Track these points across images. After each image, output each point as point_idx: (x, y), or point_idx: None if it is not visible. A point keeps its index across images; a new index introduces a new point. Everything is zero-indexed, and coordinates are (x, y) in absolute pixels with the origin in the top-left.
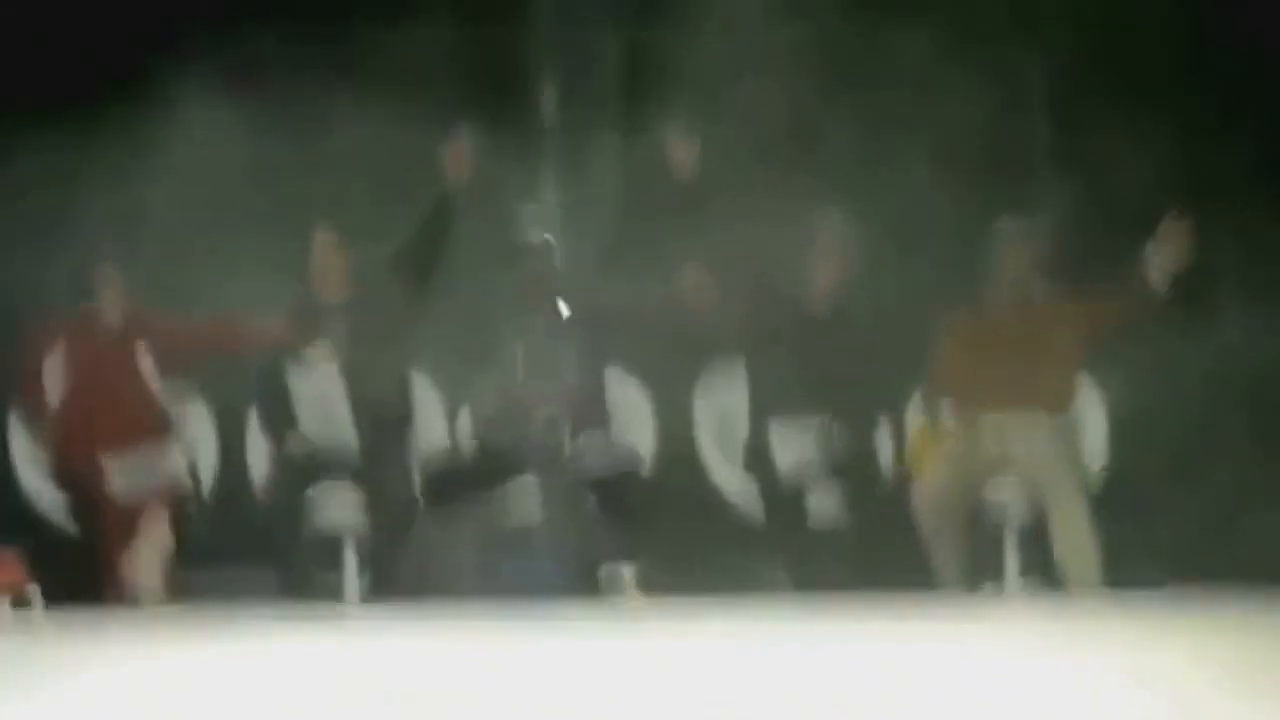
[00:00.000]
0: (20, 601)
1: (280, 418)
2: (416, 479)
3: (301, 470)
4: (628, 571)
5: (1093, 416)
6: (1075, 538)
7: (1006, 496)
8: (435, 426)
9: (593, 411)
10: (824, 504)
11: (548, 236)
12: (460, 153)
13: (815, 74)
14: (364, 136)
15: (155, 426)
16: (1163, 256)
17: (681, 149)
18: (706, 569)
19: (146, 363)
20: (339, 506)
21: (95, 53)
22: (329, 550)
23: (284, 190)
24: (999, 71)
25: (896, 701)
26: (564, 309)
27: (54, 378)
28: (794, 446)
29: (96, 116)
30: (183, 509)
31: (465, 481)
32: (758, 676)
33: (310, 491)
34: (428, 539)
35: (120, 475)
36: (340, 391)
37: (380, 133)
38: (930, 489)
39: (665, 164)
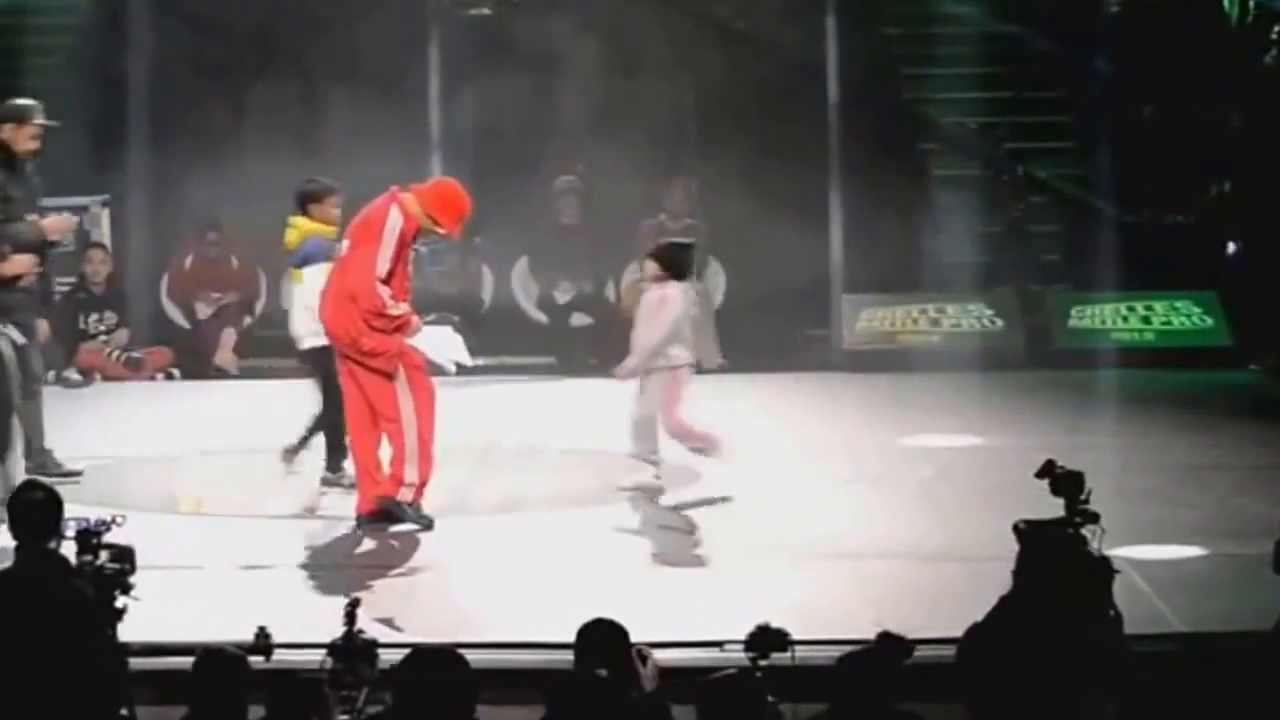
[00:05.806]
0: (169, 375)
1: None
2: None
3: None
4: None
5: (719, 279)
6: (708, 339)
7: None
8: None
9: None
10: (579, 323)
11: None
12: None
13: None
14: None
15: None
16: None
17: None
18: (517, 359)
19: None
20: None
21: None
22: None
23: None
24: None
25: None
26: None
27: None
28: (563, 292)
29: None
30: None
31: None
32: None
33: None
34: None
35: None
36: None
37: None
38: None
39: None
